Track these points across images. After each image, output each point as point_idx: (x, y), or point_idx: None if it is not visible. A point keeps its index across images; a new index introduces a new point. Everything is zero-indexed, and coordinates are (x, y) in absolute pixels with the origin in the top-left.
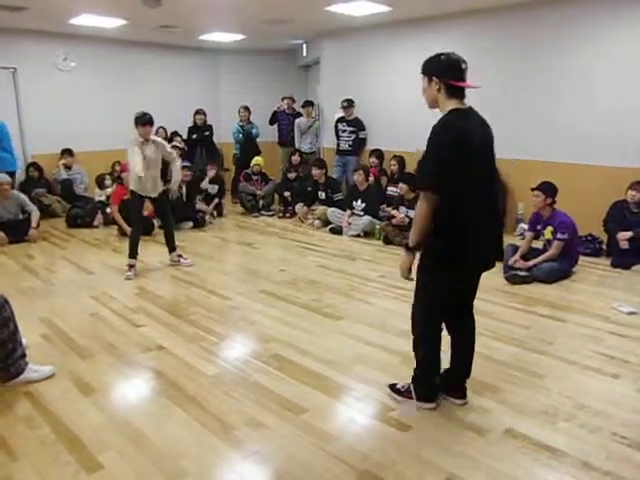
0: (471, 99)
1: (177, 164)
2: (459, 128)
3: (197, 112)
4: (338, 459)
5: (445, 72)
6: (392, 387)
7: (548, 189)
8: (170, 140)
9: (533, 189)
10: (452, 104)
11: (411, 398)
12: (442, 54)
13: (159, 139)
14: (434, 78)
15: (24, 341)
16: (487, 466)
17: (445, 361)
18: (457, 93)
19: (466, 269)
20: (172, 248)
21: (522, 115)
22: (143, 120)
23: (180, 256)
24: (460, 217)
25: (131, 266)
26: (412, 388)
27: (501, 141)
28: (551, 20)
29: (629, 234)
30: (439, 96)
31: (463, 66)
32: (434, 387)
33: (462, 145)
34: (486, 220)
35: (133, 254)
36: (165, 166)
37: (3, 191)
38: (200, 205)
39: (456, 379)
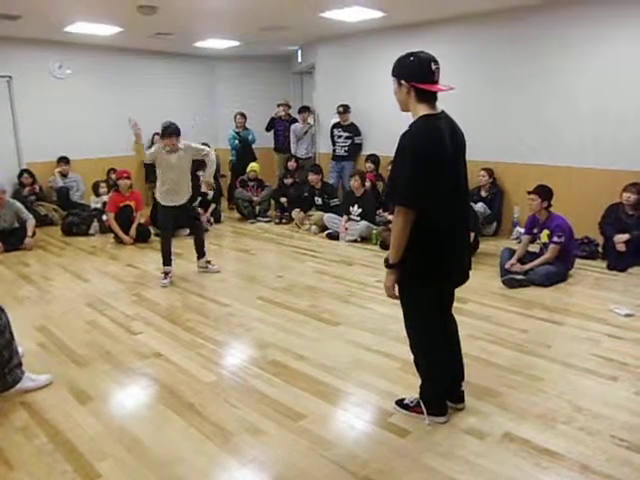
0: (463, 103)
1: (211, 155)
2: (431, 137)
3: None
4: (337, 465)
5: (415, 76)
6: (399, 403)
7: (544, 192)
8: None
9: (529, 192)
10: (423, 108)
11: (421, 413)
12: (412, 55)
13: (191, 145)
14: (403, 82)
15: (20, 350)
16: (486, 470)
17: None
18: (428, 96)
19: (444, 281)
20: (201, 254)
21: (516, 119)
22: (165, 132)
23: (209, 262)
24: (434, 228)
25: (166, 273)
26: (421, 403)
27: (496, 145)
28: (542, 24)
29: (626, 237)
30: (410, 99)
31: (434, 67)
32: (444, 400)
33: (434, 155)
34: (459, 229)
35: (167, 262)
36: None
37: None
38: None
39: (451, 384)
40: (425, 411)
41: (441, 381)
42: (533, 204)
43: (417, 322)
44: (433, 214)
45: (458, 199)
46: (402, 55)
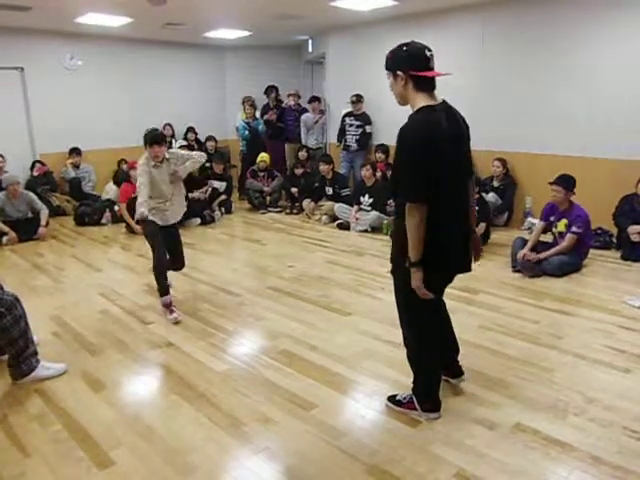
0: (477, 93)
1: (195, 156)
2: (429, 129)
3: (208, 139)
4: (347, 454)
5: (409, 64)
6: (391, 399)
7: (568, 183)
8: (185, 138)
9: (551, 183)
10: (422, 98)
11: (414, 409)
12: (404, 45)
13: (175, 152)
14: (399, 72)
15: (35, 339)
16: (496, 460)
17: None
18: (426, 85)
19: (444, 271)
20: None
21: (530, 108)
22: (147, 139)
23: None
24: (435, 219)
25: (166, 305)
26: (414, 399)
27: (509, 135)
28: (560, 12)
29: None
30: (407, 91)
31: (428, 54)
32: (436, 395)
33: (433, 148)
34: (458, 220)
35: (162, 289)
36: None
37: (13, 191)
38: (196, 195)
39: (447, 358)
40: (419, 408)
41: (433, 375)
42: (558, 196)
43: (410, 314)
44: (434, 204)
45: (459, 188)
46: (394, 48)
